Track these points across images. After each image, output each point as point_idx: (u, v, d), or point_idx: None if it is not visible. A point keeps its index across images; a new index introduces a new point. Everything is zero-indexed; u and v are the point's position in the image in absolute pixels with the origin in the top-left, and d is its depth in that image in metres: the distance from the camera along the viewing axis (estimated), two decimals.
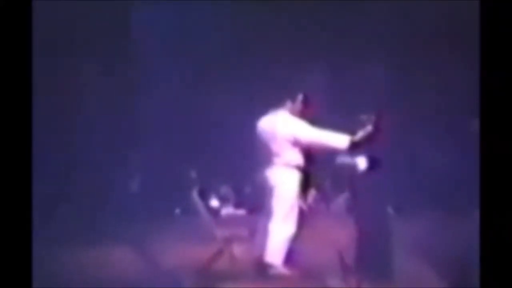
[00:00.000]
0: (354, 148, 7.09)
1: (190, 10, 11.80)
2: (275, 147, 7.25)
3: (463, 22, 10.33)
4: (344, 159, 7.32)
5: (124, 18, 11.78)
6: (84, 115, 11.65)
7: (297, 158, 7.24)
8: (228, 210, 11.85)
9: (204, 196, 11.27)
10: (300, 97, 7.39)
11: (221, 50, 11.89)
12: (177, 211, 11.75)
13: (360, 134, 7.07)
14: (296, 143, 7.20)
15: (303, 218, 7.30)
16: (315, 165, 7.38)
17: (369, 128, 7.03)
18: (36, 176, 5.29)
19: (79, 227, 9.61)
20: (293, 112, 7.34)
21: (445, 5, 11.25)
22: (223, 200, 11.99)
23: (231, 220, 10.59)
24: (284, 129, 7.25)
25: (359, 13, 11.64)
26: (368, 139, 7.04)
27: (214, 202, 11.88)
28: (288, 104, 7.38)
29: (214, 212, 11.27)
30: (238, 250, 7.76)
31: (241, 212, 11.72)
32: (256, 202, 7.88)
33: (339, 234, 7.92)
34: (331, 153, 7.30)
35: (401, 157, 10.95)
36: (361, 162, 7.15)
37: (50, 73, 10.61)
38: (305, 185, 7.32)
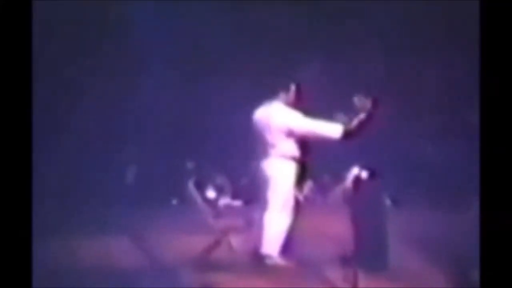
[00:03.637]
0: (348, 137, 7.09)
1: (186, 6, 11.80)
2: (270, 138, 7.25)
3: (463, 21, 10.36)
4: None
5: (122, 17, 11.78)
6: (82, 108, 11.67)
7: (293, 149, 7.25)
8: (224, 201, 11.86)
9: (201, 187, 11.30)
10: (293, 87, 7.39)
11: (216, 43, 11.89)
12: (174, 201, 11.78)
13: (354, 123, 7.08)
14: (290, 134, 7.20)
15: (299, 209, 7.32)
16: (311, 156, 7.39)
17: (362, 116, 7.04)
18: (35, 169, 5.30)
19: (76, 217, 9.63)
20: (287, 103, 7.34)
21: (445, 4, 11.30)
22: (220, 191, 12.01)
23: (228, 211, 10.60)
24: (278, 120, 7.25)
25: (358, 10, 11.66)
26: (361, 127, 7.04)
27: (211, 193, 11.89)
28: (282, 95, 7.38)
29: (211, 203, 11.30)
30: (235, 240, 7.78)
31: (237, 203, 11.73)
32: (253, 193, 7.89)
33: (335, 225, 7.93)
34: (327, 143, 7.29)
35: (399, 148, 10.98)
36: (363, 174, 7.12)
37: (50, 72, 10.63)
38: (301, 176, 7.34)
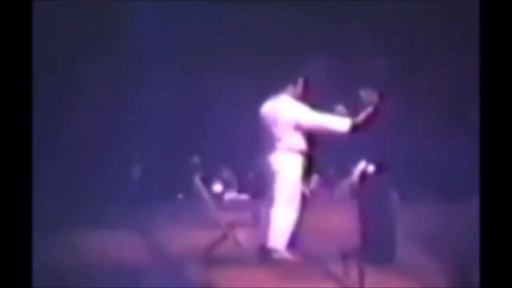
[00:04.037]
0: (355, 130, 7.08)
1: (190, 1, 11.82)
2: (277, 131, 7.23)
3: (463, 19, 10.36)
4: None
5: (122, 16, 11.80)
6: (82, 107, 11.68)
7: (300, 142, 7.23)
8: (231, 195, 11.89)
9: (207, 181, 11.33)
10: (301, 81, 7.38)
11: (223, 36, 11.90)
12: (180, 196, 11.80)
13: (361, 116, 7.07)
14: (298, 127, 7.18)
15: (306, 203, 7.31)
16: (318, 150, 7.38)
17: (369, 109, 7.04)
18: (38, 164, 5.29)
19: (80, 213, 9.64)
20: (295, 96, 7.33)
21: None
22: (226, 185, 12.03)
23: (234, 205, 10.61)
24: (286, 113, 7.23)
25: (361, 8, 11.69)
26: (368, 121, 7.04)
27: (217, 187, 11.92)
28: (290, 88, 7.37)
29: (217, 197, 11.32)
30: (241, 235, 7.78)
31: (244, 197, 11.76)
32: (259, 187, 7.88)
33: (342, 219, 7.93)
34: (334, 137, 7.28)
35: (406, 143, 10.96)
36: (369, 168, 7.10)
37: (50, 71, 10.64)
38: (308, 170, 7.32)
